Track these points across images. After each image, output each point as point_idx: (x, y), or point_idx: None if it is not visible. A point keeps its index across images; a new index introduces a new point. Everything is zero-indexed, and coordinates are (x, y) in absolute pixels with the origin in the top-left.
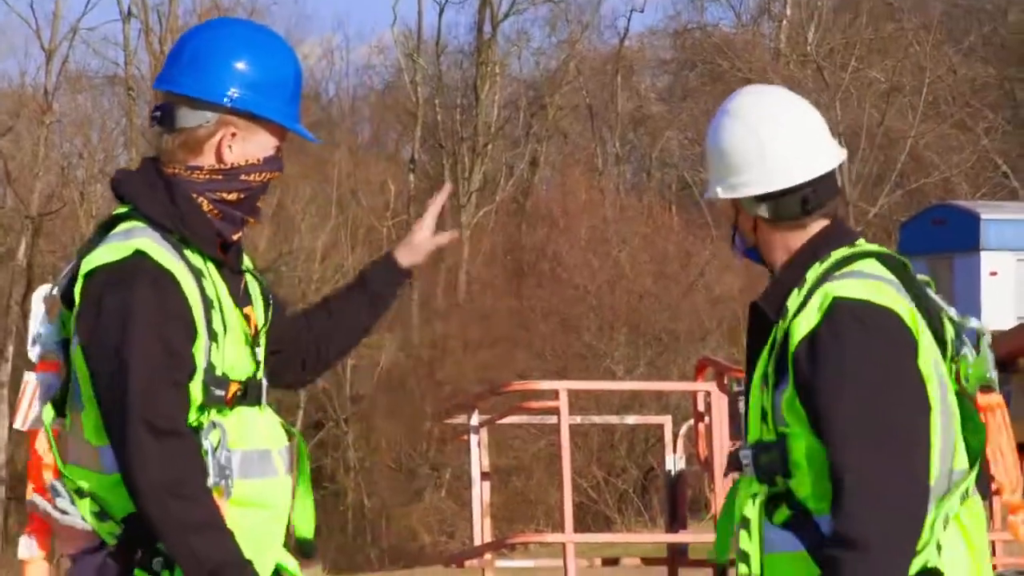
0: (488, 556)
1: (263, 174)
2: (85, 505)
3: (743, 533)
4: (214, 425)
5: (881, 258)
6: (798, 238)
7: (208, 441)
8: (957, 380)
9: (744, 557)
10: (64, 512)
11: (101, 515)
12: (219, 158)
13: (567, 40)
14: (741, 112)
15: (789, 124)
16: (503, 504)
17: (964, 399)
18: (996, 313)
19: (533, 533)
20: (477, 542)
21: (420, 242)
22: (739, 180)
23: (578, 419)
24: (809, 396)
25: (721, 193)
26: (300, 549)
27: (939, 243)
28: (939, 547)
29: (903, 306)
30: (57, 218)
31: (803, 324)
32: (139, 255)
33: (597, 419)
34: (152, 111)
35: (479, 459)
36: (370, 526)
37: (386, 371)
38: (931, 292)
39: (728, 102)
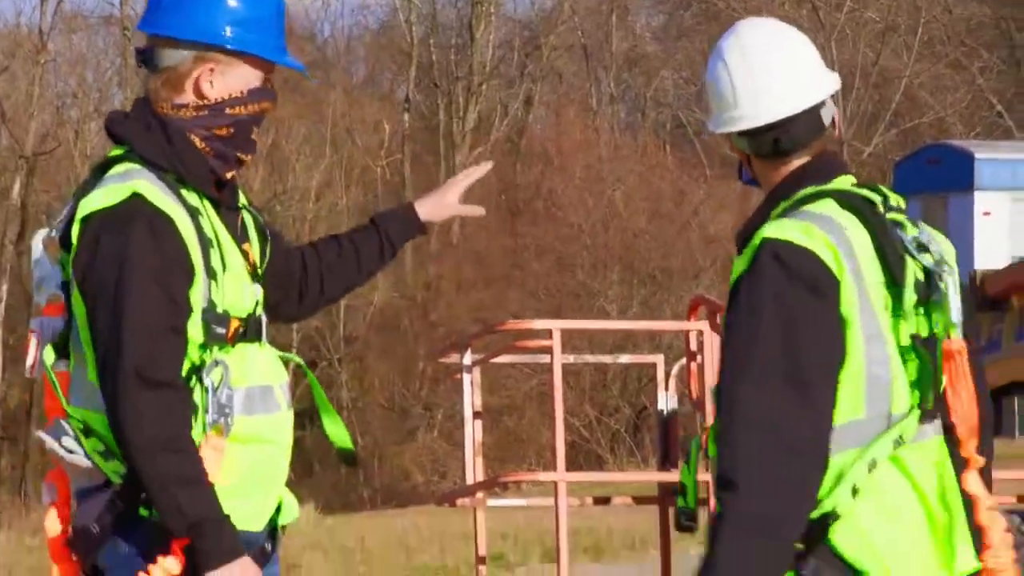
0: (480, 495)
1: (249, 106)
2: (91, 444)
3: (684, 467)
4: (216, 363)
5: (842, 197)
6: (779, 174)
7: (209, 379)
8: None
9: (683, 490)
10: (70, 451)
11: (106, 454)
12: (199, 94)
13: None
14: (727, 47)
15: (770, 60)
16: (495, 444)
17: (920, 343)
18: (990, 253)
19: (525, 472)
20: (469, 481)
21: (447, 203)
22: (725, 115)
23: (571, 358)
24: (723, 332)
25: (710, 127)
26: (343, 459)
27: (933, 183)
28: (855, 491)
29: (827, 248)
30: (52, 158)
31: (738, 264)
32: (136, 197)
33: (590, 358)
34: (136, 53)
35: (471, 398)
36: (363, 466)
37: (379, 311)
38: (904, 232)
39: (722, 38)
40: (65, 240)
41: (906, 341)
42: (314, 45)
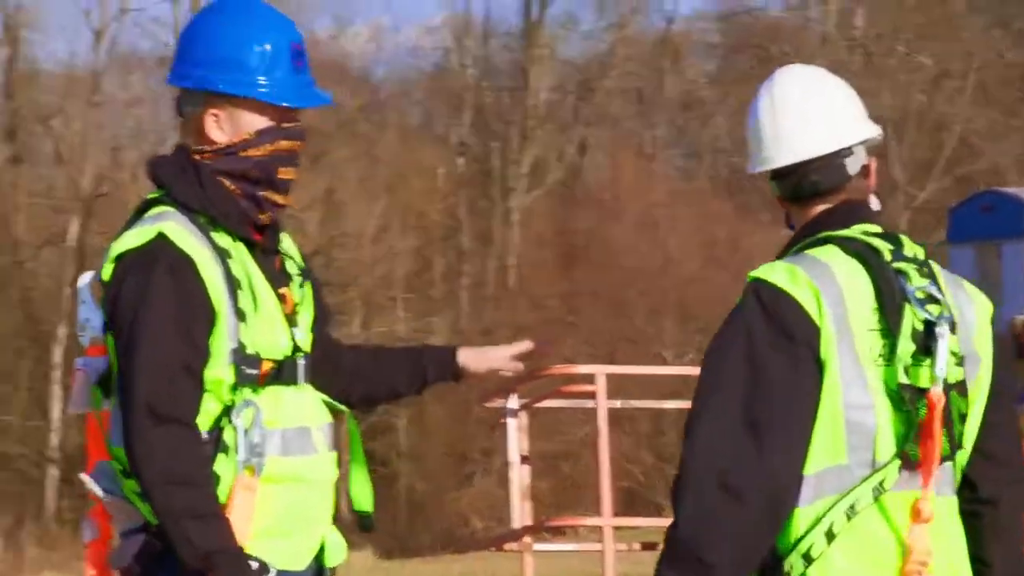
0: (527, 539)
1: (262, 147)
2: (129, 485)
3: None
4: (247, 404)
5: (847, 244)
6: (804, 218)
7: (240, 419)
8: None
9: None
10: (109, 492)
11: (143, 495)
12: (209, 139)
13: (615, 23)
14: (763, 91)
15: (798, 104)
16: (550, 489)
17: (915, 392)
18: None
19: (572, 517)
20: (516, 525)
21: (488, 357)
22: (756, 156)
23: (617, 403)
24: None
25: (747, 168)
26: (359, 522)
27: (987, 229)
28: (831, 535)
29: (810, 293)
30: (108, 200)
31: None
32: (161, 239)
33: (636, 403)
34: (174, 101)
35: (517, 442)
36: (421, 511)
37: None
38: (909, 283)
39: (763, 82)
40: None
41: (895, 388)
42: (368, 87)
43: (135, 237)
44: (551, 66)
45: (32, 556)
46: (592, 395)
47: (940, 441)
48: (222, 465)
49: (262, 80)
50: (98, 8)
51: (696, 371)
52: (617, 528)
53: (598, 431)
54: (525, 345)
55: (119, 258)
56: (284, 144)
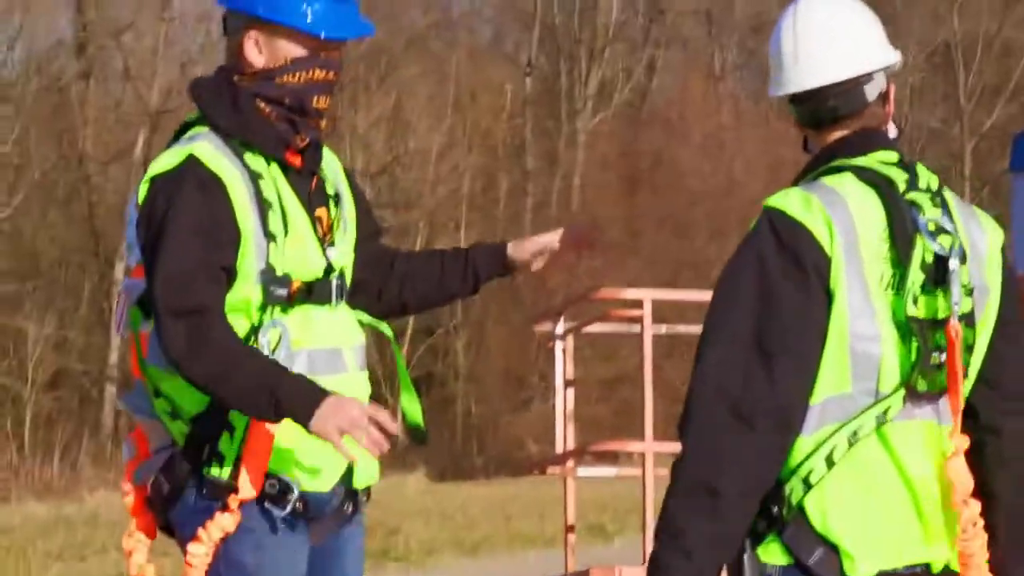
0: (569, 464)
1: (297, 75)
2: (159, 404)
3: None
4: (274, 324)
5: (862, 172)
6: (820, 143)
7: (266, 339)
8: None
9: None
10: (142, 412)
11: (172, 414)
12: (248, 63)
13: None
14: (787, 14)
15: (819, 29)
16: (611, 413)
17: (923, 324)
18: None
19: (614, 441)
20: (559, 450)
21: (536, 243)
22: (775, 79)
23: (663, 329)
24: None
25: (768, 91)
26: (411, 436)
27: None
28: (830, 462)
29: (823, 222)
30: (175, 116)
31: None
32: (191, 160)
33: (682, 329)
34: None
35: (563, 366)
36: (477, 434)
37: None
38: (922, 214)
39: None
40: None
41: (906, 320)
42: (439, 5)
43: (168, 158)
44: None
45: (88, 474)
46: (639, 320)
47: (961, 374)
48: None
49: (302, 8)
50: None
51: None
52: (659, 454)
53: (643, 357)
54: (571, 230)
55: (152, 180)
56: (319, 74)
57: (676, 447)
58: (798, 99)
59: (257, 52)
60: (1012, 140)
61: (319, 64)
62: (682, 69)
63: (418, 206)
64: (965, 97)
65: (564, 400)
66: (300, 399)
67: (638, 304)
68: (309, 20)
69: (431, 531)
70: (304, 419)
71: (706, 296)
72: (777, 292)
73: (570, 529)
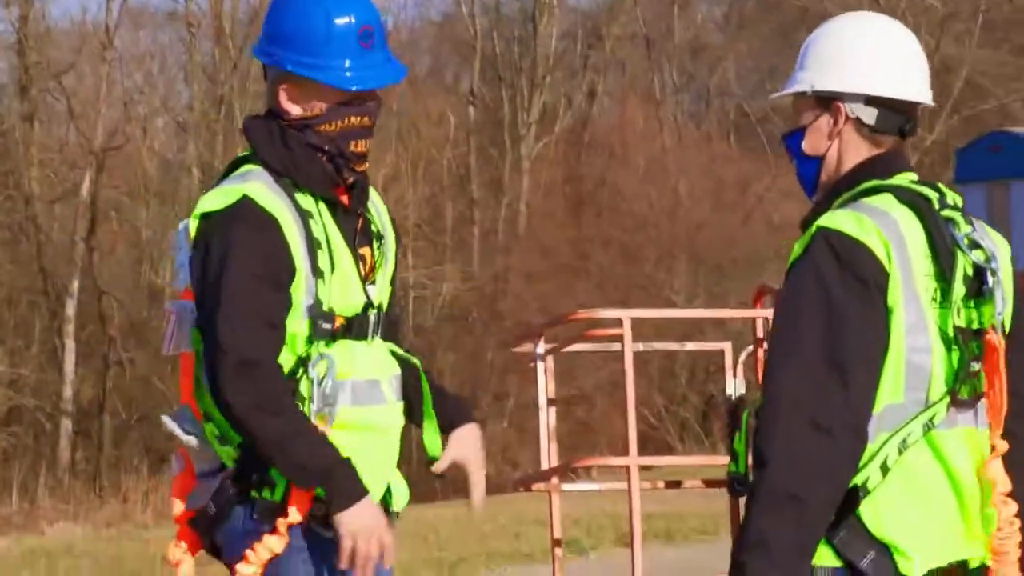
0: (555, 480)
1: (334, 123)
2: (209, 428)
3: (736, 435)
4: (321, 357)
5: (899, 192)
6: (856, 154)
7: (315, 371)
8: (967, 317)
9: (734, 456)
10: (190, 434)
11: (222, 439)
12: (285, 111)
13: None
14: (852, 18)
15: (902, 47)
16: (567, 433)
17: (965, 334)
18: None
19: (598, 457)
20: (544, 467)
21: (453, 460)
22: (836, 76)
23: (640, 346)
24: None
25: (823, 84)
26: (429, 465)
27: (995, 170)
28: (885, 469)
29: (879, 240)
30: (120, 154)
31: (795, 251)
32: (246, 199)
33: (659, 346)
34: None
35: (546, 386)
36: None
37: (448, 302)
38: (957, 229)
39: (858, 16)
40: None
41: (951, 332)
42: None
43: (221, 196)
44: (560, 14)
45: (46, 507)
46: (618, 339)
47: (1005, 381)
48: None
49: (331, 62)
50: None
51: (709, 314)
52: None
53: (625, 374)
54: (476, 493)
55: (205, 216)
56: (354, 120)
57: (659, 460)
58: (884, 104)
59: (291, 102)
60: (955, 154)
61: (354, 112)
62: (623, 94)
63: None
64: None
65: (548, 418)
66: (347, 490)
67: (611, 323)
68: (337, 74)
69: (407, 554)
70: (338, 508)
71: (676, 313)
72: (843, 307)
73: (557, 543)
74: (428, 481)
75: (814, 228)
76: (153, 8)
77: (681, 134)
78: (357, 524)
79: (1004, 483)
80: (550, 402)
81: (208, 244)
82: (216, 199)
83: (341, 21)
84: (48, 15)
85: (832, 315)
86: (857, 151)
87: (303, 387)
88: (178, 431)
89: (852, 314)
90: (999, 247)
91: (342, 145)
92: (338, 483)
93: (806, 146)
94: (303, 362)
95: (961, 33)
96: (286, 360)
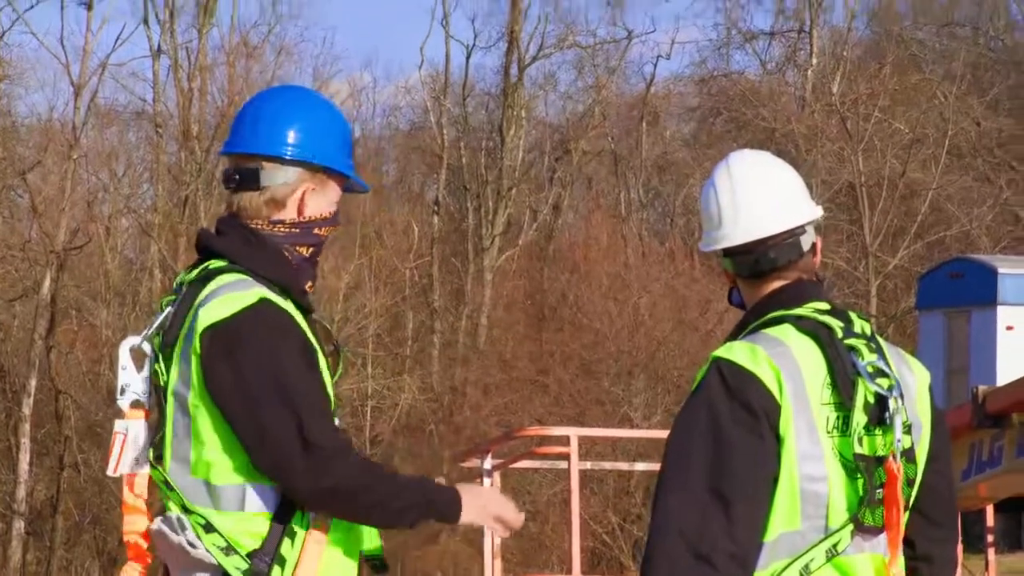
0: None
1: (329, 227)
2: (211, 540)
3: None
4: None
5: (800, 322)
6: (757, 295)
7: None
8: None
9: None
10: (192, 545)
11: (227, 550)
12: (300, 212)
13: (593, 85)
14: (718, 172)
15: (753, 185)
16: (519, 549)
17: (868, 461)
18: (1012, 368)
19: (541, 575)
20: None
21: None
22: (711, 235)
23: (588, 465)
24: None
25: (700, 246)
26: (372, 565)
27: (957, 297)
28: None
29: (771, 371)
30: (82, 253)
31: (697, 377)
32: (266, 301)
33: (607, 465)
34: (229, 174)
35: None
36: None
37: (405, 413)
38: (860, 358)
39: (716, 165)
40: (166, 348)
41: (852, 460)
42: None
43: (231, 303)
44: (528, 127)
45: None
46: (565, 456)
47: (902, 508)
48: (298, 519)
49: (349, 163)
50: (78, 63)
51: (665, 434)
52: None
53: (570, 491)
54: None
55: (213, 328)
56: (337, 228)
57: None
58: (735, 252)
59: (311, 203)
60: (917, 280)
61: (339, 220)
62: (588, 208)
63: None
64: (870, 237)
65: (492, 535)
66: (446, 500)
67: (561, 440)
68: (353, 172)
69: None
70: (455, 518)
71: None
72: (729, 438)
73: None
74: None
75: (710, 358)
76: (120, 107)
77: (644, 251)
78: (478, 513)
79: None
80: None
81: (238, 353)
82: (225, 307)
83: (347, 125)
84: (14, 111)
85: (719, 445)
86: (754, 291)
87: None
88: (185, 544)
89: (738, 444)
90: (915, 374)
91: (320, 252)
92: (437, 502)
93: (735, 295)
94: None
95: (927, 158)
96: None
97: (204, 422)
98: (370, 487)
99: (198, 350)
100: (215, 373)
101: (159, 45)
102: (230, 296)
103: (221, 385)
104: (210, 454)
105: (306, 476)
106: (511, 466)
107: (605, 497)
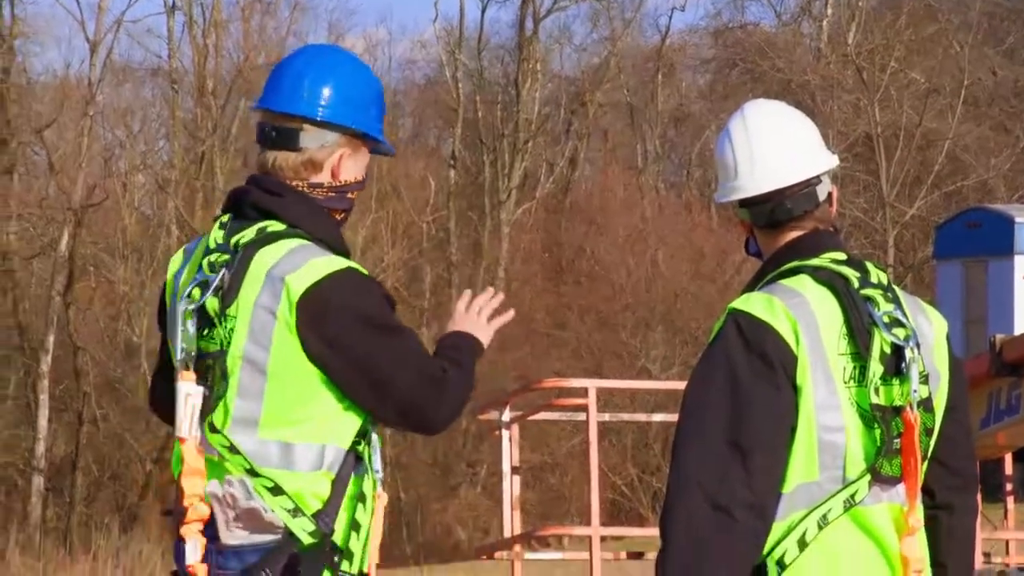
0: (517, 548)
1: (357, 192)
2: (279, 502)
3: None
4: (373, 428)
5: (817, 273)
6: (775, 245)
7: (375, 438)
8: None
9: None
10: (264, 509)
11: (294, 511)
12: (335, 176)
13: (609, 37)
14: (733, 124)
15: (769, 136)
16: (538, 501)
17: (884, 411)
18: None
19: (561, 526)
20: (507, 534)
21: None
22: (727, 186)
23: (607, 416)
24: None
25: (716, 198)
26: None
27: (974, 246)
28: (803, 543)
29: (787, 322)
30: (99, 209)
31: (713, 330)
32: (351, 267)
33: (626, 416)
34: (266, 130)
35: (510, 454)
36: (406, 521)
37: None
38: (876, 308)
39: (730, 116)
40: (224, 308)
41: (870, 409)
42: None
43: (322, 267)
44: (543, 80)
45: (16, 565)
46: (583, 408)
47: (919, 457)
48: (368, 483)
49: (382, 127)
50: (93, 20)
51: (682, 385)
52: (603, 538)
53: (589, 443)
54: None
55: (310, 292)
56: (363, 189)
57: (621, 531)
58: (751, 202)
59: (346, 168)
60: (935, 230)
61: (366, 180)
62: (604, 161)
63: None
64: (887, 187)
65: (511, 486)
66: (475, 347)
67: (580, 392)
68: (382, 137)
69: None
70: (483, 351)
71: (644, 385)
72: (748, 390)
73: None
74: (400, 545)
75: (727, 310)
76: (136, 64)
77: (661, 203)
78: (483, 332)
79: (917, 559)
80: (514, 470)
81: (337, 312)
82: (315, 272)
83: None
84: (31, 68)
85: (737, 396)
86: (771, 240)
87: (365, 454)
88: (259, 506)
89: (756, 396)
90: (933, 323)
91: (350, 213)
92: (476, 352)
93: (751, 244)
94: (364, 433)
95: (944, 108)
96: (351, 428)
97: (291, 383)
98: (469, 385)
99: (290, 317)
100: (319, 337)
101: (174, 1)
102: (315, 263)
103: (327, 348)
104: (295, 413)
105: (440, 408)
106: (529, 418)
107: (624, 449)
